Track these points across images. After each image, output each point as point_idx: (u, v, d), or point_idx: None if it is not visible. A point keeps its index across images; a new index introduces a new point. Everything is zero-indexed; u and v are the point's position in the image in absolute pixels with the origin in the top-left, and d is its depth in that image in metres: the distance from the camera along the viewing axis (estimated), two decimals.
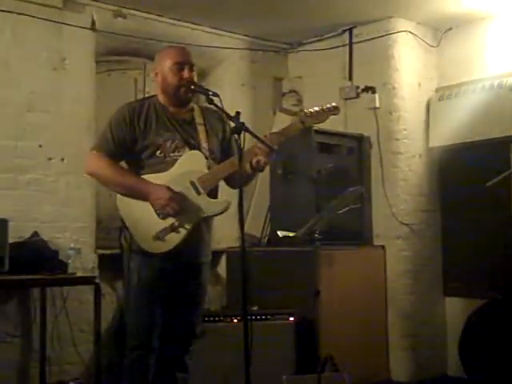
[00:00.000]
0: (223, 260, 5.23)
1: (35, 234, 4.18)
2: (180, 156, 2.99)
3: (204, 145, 3.04)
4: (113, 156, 3.00)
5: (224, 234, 5.21)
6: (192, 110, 3.11)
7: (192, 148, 3.02)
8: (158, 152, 2.99)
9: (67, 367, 4.37)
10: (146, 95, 4.75)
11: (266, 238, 5.33)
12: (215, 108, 2.96)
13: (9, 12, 4.28)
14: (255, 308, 4.25)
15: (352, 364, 4.11)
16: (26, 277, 3.80)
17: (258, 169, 2.98)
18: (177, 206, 2.89)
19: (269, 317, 4.31)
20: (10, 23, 4.29)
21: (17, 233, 4.06)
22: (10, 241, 3.83)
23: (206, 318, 4.19)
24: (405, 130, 5.15)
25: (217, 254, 5.21)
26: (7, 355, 4.15)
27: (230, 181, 3.13)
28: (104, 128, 3.09)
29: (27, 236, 4.15)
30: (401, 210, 5.09)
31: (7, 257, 3.73)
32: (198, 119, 3.09)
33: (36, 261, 3.93)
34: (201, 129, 3.06)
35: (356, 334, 4.62)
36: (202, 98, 3.41)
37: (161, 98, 3.10)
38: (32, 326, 4.24)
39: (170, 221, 2.93)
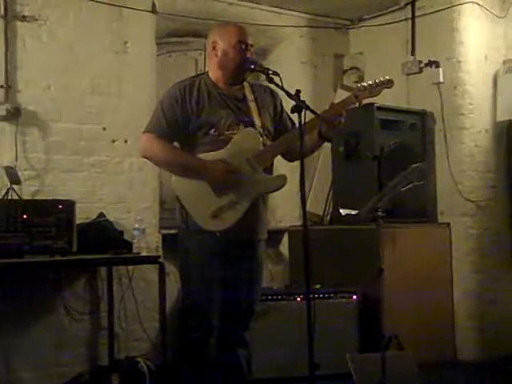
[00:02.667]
0: (285, 239, 5.24)
1: (101, 214, 4.28)
2: (234, 134, 2.97)
3: (257, 122, 3.01)
4: (166, 136, 2.98)
5: (286, 212, 5.22)
6: (242, 87, 3.08)
7: (246, 125, 2.99)
8: (213, 130, 2.97)
9: (134, 344, 4.48)
10: None
11: (329, 217, 5.32)
12: (265, 84, 2.94)
13: None
14: (318, 286, 4.25)
15: (417, 343, 4.09)
16: (93, 256, 3.89)
17: (325, 137, 2.98)
18: (234, 177, 2.89)
19: (332, 295, 4.32)
20: (73, 8, 4.37)
21: (83, 214, 4.16)
22: (77, 222, 3.92)
23: (269, 297, 4.22)
24: (470, 104, 5.01)
25: (279, 233, 5.23)
26: (77, 332, 4.29)
27: (286, 154, 3.12)
28: (155, 109, 3.08)
29: (93, 217, 4.26)
30: (466, 187, 4.98)
31: (75, 237, 3.81)
32: (249, 96, 3.06)
33: (102, 241, 4.02)
34: (253, 106, 3.04)
35: (421, 313, 4.57)
36: (259, 76, 3.41)
37: (213, 75, 3.07)
38: (100, 304, 4.37)
39: (227, 198, 2.92)
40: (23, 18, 4.19)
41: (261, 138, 3.00)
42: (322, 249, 4.39)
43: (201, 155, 2.97)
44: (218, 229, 2.92)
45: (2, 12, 4.09)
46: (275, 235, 5.11)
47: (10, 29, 4.13)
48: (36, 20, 4.23)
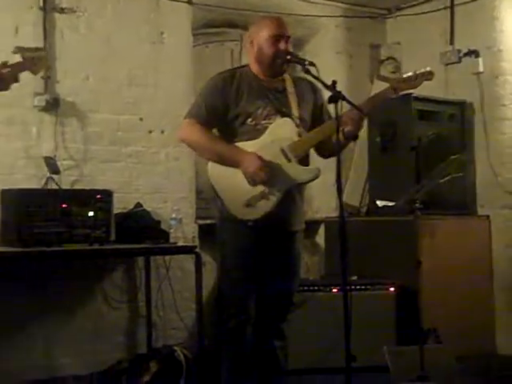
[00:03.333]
0: (322, 230, 5.23)
1: (138, 204, 4.31)
2: (271, 124, 2.98)
3: (295, 113, 3.01)
4: (205, 123, 3.01)
5: (322, 203, 5.21)
6: (283, 80, 3.08)
7: (283, 116, 2.99)
8: (250, 120, 2.98)
9: (171, 332, 4.52)
10: None
11: (365, 208, 5.28)
12: (307, 79, 2.93)
13: None
14: (354, 278, 4.22)
15: (456, 337, 4.04)
16: (131, 246, 3.93)
17: (350, 137, 2.94)
18: (266, 175, 2.88)
19: (369, 287, 4.28)
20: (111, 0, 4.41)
21: (121, 204, 4.20)
22: (115, 212, 3.96)
23: (306, 288, 4.21)
24: None
25: (315, 224, 5.22)
26: (116, 320, 4.34)
27: (320, 150, 3.12)
28: (196, 97, 3.14)
29: (131, 207, 4.30)
30: (507, 179, 4.88)
31: (113, 227, 3.85)
32: (290, 88, 3.05)
33: (140, 231, 4.05)
34: (292, 97, 3.03)
35: (460, 307, 4.51)
36: (295, 68, 3.39)
37: (253, 68, 3.09)
38: (138, 293, 4.41)
39: (261, 188, 2.92)
40: (61, 10, 4.24)
41: (296, 129, 2.99)
42: (358, 240, 4.34)
43: (237, 144, 2.98)
44: (250, 218, 2.93)
45: (41, 4, 4.14)
46: (311, 226, 5.10)
47: (48, 20, 4.18)
48: (74, 12, 4.28)
